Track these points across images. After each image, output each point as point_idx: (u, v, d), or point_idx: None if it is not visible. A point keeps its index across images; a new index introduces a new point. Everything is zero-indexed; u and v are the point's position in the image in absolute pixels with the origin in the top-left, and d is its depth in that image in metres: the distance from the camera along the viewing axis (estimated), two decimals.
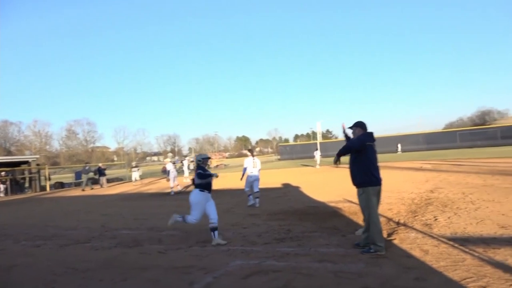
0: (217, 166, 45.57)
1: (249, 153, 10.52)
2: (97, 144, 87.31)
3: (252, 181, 10.00)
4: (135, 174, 25.08)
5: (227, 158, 62.04)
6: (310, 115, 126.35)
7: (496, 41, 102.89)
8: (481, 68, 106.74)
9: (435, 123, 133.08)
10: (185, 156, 58.17)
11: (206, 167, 6.05)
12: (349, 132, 5.34)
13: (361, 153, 4.80)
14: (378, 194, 4.85)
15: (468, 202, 7.69)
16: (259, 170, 10.18)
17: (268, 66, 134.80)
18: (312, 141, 67.40)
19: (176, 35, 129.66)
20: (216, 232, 5.79)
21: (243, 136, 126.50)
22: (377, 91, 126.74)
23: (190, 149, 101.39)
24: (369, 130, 5.05)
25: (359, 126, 5.05)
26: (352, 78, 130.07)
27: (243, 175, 10.19)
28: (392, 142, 48.57)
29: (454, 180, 11.85)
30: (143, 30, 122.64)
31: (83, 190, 22.24)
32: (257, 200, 9.90)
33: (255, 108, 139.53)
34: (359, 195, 4.85)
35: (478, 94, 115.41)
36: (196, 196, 5.86)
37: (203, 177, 5.81)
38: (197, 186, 5.88)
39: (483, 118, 79.71)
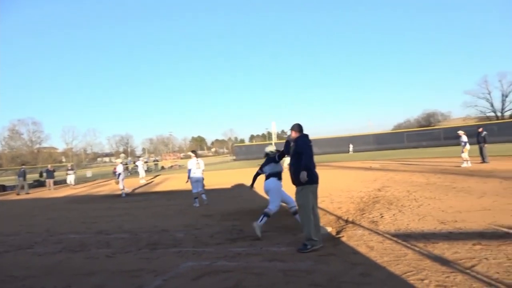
0: (171, 166, 44.76)
1: (192, 155, 10.65)
2: (44, 144, 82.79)
3: (196, 182, 10.22)
4: (70, 177, 23.76)
5: (182, 158, 61.02)
6: (266, 115, 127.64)
7: (441, 46, 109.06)
8: (427, 72, 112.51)
9: (384, 124, 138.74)
10: (139, 157, 56.70)
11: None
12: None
13: (302, 154, 4.95)
14: (315, 192, 5.07)
15: (412, 199, 8.09)
16: (203, 170, 10.45)
17: (223, 66, 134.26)
18: (267, 142, 67.97)
19: (128, 34, 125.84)
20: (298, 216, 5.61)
21: (199, 137, 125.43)
22: (330, 92, 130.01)
23: (144, 149, 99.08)
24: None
25: (297, 129, 5.23)
26: (306, 79, 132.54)
27: (188, 177, 10.32)
28: (344, 142, 50.06)
29: (400, 179, 12.43)
30: (91, 28, 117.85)
31: (17, 194, 21.07)
32: (204, 195, 10.25)
33: (211, 108, 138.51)
34: (297, 193, 5.02)
35: (424, 97, 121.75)
36: (276, 184, 6.00)
37: (279, 158, 6.01)
38: (273, 175, 6.04)
39: (428, 120, 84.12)
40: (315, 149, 5.49)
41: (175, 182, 19.28)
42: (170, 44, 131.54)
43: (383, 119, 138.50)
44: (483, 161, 15.61)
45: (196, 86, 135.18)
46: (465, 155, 14.86)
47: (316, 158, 5.30)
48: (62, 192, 19.97)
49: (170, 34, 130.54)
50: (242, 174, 22.24)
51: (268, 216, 5.89)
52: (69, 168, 24.67)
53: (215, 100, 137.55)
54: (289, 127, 5.35)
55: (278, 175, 6.10)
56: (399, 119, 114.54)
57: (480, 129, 16.19)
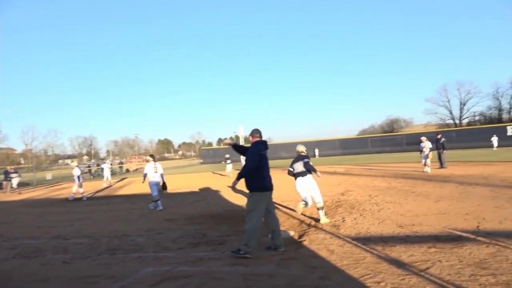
0: (136, 169, 43.82)
1: (150, 159, 10.74)
2: (1, 145, 79.03)
3: (155, 186, 10.29)
4: (14, 181, 21.92)
5: (148, 161, 59.71)
6: (234, 118, 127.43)
7: (404, 53, 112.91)
8: (391, 79, 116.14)
9: (350, 129, 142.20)
10: (103, 159, 55.15)
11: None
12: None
13: (247, 161, 5.03)
14: (267, 199, 5.10)
15: (373, 203, 8.31)
16: (162, 174, 10.48)
17: (190, 69, 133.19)
18: None
19: (93, 33, 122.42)
20: (322, 211, 6.85)
21: (166, 139, 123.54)
22: (299, 96, 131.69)
23: (108, 152, 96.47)
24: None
25: (253, 134, 5.30)
26: (273, 84, 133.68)
27: (144, 179, 10.52)
28: (310, 147, 50.79)
29: (363, 183, 12.73)
30: (51, 26, 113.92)
31: None
32: (159, 201, 10.23)
33: (178, 110, 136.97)
34: (248, 198, 5.06)
35: (388, 104, 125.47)
36: (310, 178, 7.03)
37: (310, 167, 6.96)
38: (303, 173, 6.98)
39: (392, 126, 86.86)
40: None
41: (139, 186, 18.84)
42: (135, 45, 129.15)
43: (349, 124, 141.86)
44: (441, 166, 16.25)
45: (163, 87, 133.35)
46: (429, 161, 15.28)
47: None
48: (19, 196, 19.07)
49: (134, 35, 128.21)
50: (209, 177, 22.08)
51: (306, 204, 7.00)
52: (12, 171, 22.58)
53: (182, 102, 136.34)
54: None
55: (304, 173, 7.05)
56: (364, 125, 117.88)
57: (439, 136, 16.84)
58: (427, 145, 15.64)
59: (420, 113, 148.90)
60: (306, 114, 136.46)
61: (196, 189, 15.15)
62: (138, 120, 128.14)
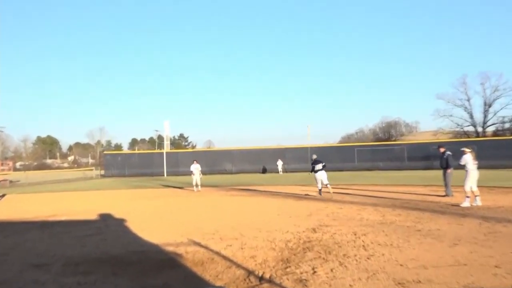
0: None
1: None
2: None
3: None
4: None
5: (18, 169, 57.67)
6: (157, 113, 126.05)
7: (408, 32, 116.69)
8: (389, 68, 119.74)
9: (329, 134, 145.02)
10: None
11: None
12: None
13: None
14: None
15: (359, 246, 8.19)
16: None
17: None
18: (157, 150, 66.96)
19: None
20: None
21: (49, 138, 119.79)
22: (246, 86, 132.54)
23: None
24: None
25: None
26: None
27: None
28: (270, 157, 51.11)
29: (346, 214, 12.73)
30: None
31: None
32: None
33: (71, 96, 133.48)
34: None
35: (383, 101, 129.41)
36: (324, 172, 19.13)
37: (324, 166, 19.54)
38: (321, 169, 19.03)
39: (388, 131, 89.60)
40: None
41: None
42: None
43: (328, 127, 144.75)
44: (446, 193, 16.63)
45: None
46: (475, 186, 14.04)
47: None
48: None
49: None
50: (113, 198, 21.45)
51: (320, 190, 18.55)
52: None
53: (79, 87, 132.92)
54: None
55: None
56: (349, 129, 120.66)
57: (442, 149, 17.40)
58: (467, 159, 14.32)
59: (428, 115, 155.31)
60: (262, 111, 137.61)
61: (91, 217, 14.51)
62: (6, 110, 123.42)
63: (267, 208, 14.87)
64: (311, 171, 19.73)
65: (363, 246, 8.24)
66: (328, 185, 18.64)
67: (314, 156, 19.97)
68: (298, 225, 11.01)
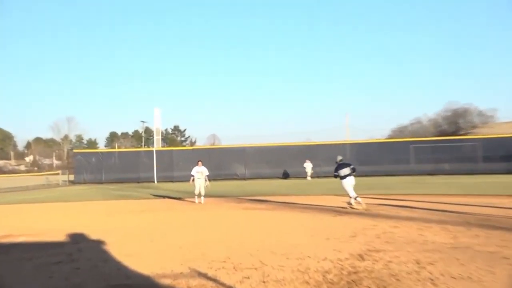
0: None
1: None
2: None
3: None
4: None
5: None
6: (143, 100, 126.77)
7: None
8: (456, 43, 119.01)
9: (373, 128, 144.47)
10: None
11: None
12: None
13: None
14: None
15: (425, 280, 8.04)
16: None
17: None
18: (145, 148, 66.96)
19: None
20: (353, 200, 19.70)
21: (0, 131, 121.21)
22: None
23: None
24: None
25: None
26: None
27: None
28: (296, 157, 50.93)
29: (403, 235, 12.58)
30: None
31: None
32: None
33: (28, 79, 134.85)
34: None
35: (448, 83, 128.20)
36: (353, 178, 20.30)
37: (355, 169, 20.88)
38: (349, 175, 20.03)
39: (455, 122, 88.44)
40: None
41: None
42: None
43: (373, 117, 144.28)
44: None
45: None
46: None
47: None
48: None
49: None
50: (89, 212, 21.54)
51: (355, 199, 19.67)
52: None
53: (39, 65, 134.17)
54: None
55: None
56: (401, 119, 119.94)
57: None
58: None
59: (510, 100, 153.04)
60: (284, 97, 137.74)
61: (61, 238, 14.50)
62: None
63: (295, 227, 14.76)
64: (336, 177, 20.66)
65: (431, 279, 8.08)
66: (356, 198, 19.56)
67: (340, 158, 21.00)
68: (339, 250, 10.89)
